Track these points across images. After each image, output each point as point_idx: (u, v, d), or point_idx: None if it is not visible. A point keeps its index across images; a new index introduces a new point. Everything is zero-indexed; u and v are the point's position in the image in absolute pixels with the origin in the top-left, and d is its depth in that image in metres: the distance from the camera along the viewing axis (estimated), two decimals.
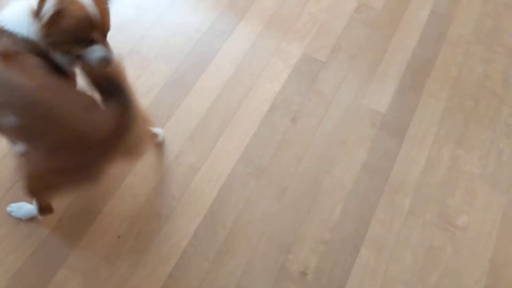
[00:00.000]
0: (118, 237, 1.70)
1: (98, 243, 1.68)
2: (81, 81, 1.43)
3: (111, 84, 1.28)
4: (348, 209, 1.81)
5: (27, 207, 1.66)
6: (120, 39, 2.16)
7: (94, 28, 1.38)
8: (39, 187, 1.45)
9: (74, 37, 1.35)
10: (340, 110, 2.04)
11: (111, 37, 1.98)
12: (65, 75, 1.46)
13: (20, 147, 1.47)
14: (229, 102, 2.03)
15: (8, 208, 1.69)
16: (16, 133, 1.37)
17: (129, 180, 1.82)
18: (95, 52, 1.42)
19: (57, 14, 1.30)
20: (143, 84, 2.05)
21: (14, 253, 1.64)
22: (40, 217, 1.65)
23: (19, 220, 1.70)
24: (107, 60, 1.45)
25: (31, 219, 1.70)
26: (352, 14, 2.32)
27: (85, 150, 1.28)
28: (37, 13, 1.31)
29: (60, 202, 1.72)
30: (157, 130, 1.86)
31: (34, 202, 1.59)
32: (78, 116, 1.26)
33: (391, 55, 2.20)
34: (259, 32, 2.25)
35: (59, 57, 1.43)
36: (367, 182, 1.87)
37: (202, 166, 1.87)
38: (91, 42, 1.40)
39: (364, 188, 1.86)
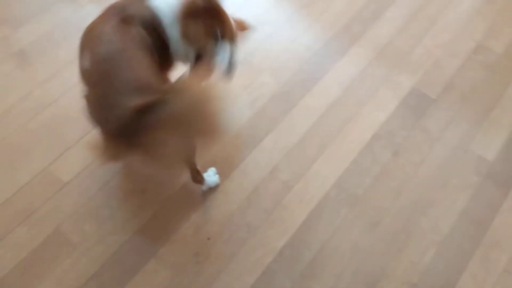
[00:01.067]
0: (208, 239, 1.74)
1: (190, 240, 1.72)
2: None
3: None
4: (441, 255, 1.74)
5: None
6: None
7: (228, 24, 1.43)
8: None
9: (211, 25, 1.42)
10: (445, 151, 1.97)
11: None
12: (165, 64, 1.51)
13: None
14: (332, 125, 2.01)
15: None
16: (83, 76, 1.41)
17: (224, 186, 1.85)
18: (224, 54, 1.46)
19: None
20: (250, 94, 2.09)
21: (113, 236, 1.71)
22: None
23: (121, 203, 1.77)
24: (231, 70, 1.48)
25: (132, 208, 1.76)
26: (470, 55, 2.24)
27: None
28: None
29: (159, 195, 1.78)
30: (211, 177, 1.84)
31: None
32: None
33: (507, 102, 2.09)
34: (371, 59, 2.22)
35: (182, 52, 1.47)
36: (464, 230, 1.79)
37: (296, 185, 1.87)
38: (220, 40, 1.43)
39: (460, 236, 1.78)
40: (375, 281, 1.67)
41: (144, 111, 1.19)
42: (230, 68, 1.54)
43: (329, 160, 1.92)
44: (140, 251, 1.69)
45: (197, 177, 1.72)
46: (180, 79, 1.35)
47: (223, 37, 1.46)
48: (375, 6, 2.41)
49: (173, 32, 1.44)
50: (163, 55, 1.47)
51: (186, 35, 1.45)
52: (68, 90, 2.03)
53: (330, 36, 2.28)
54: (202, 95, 1.18)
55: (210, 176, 1.81)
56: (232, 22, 1.50)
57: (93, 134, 1.90)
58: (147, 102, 1.18)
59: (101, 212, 1.76)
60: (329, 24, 2.32)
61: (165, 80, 1.59)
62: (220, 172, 1.85)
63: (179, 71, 1.68)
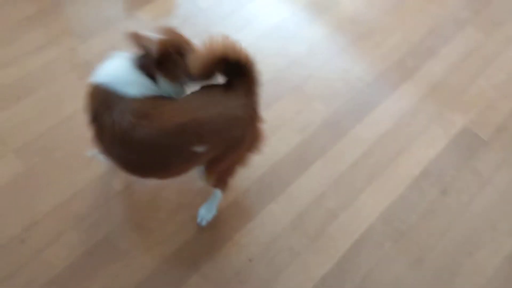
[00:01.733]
0: (250, 260, 1.76)
1: (232, 259, 1.75)
2: None
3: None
4: None
5: (209, 207, 1.80)
6: (288, 73, 2.26)
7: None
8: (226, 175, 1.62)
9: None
10: (495, 193, 1.94)
11: (282, 70, 2.12)
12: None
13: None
14: (380, 157, 2.02)
15: (201, 221, 1.83)
16: (209, 156, 1.48)
17: (270, 208, 1.88)
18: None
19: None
20: (301, 120, 2.12)
21: (159, 247, 1.77)
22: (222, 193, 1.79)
23: (169, 216, 1.82)
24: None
25: (179, 222, 1.81)
26: None
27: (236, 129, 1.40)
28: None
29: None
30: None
31: (219, 190, 1.74)
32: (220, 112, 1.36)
33: None
34: (423, 94, 2.23)
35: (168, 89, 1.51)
36: (509, 275, 1.76)
37: (341, 214, 1.88)
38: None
39: (505, 281, 1.75)
40: None
41: None
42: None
43: (376, 192, 1.93)
44: (184, 265, 1.73)
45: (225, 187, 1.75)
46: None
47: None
48: (431, 43, 2.42)
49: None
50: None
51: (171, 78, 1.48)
52: None
53: (384, 68, 2.30)
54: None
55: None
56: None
57: None
58: None
59: (149, 223, 1.81)
60: (383, 57, 2.35)
61: None
62: (266, 195, 1.88)
63: None
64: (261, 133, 1.54)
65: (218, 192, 1.76)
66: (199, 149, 1.37)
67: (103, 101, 1.38)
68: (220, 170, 1.58)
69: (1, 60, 2.22)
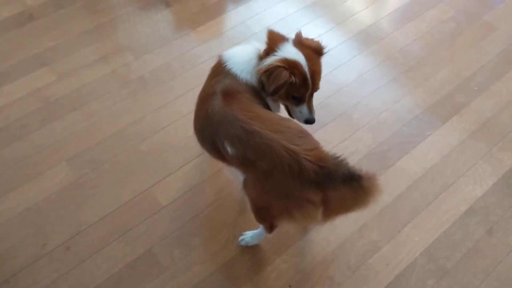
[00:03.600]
0: (289, 286, 1.75)
1: (272, 284, 1.75)
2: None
3: None
4: None
5: (255, 235, 1.80)
6: (336, 100, 2.27)
7: (305, 90, 1.53)
8: (262, 212, 1.57)
9: (286, 93, 1.52)
10: None
11: (330, 96, 2.13)
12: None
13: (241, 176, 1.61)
14: (426, 191, 2.00)
15: (241, 241, 1.84)
16: (234, 162, 1.50)
17: (311, 236, 1.87)
18: (301, 113, 1.60)
19: (276, 70, 1.45)
20: (346, 147, 2.12)
21: (200, 265, 1.79)
22: (269, 235, 1.77)
23: (212, 235, 1.84)
24: (309, 122, 1.61)
25: (221, 241, 1.83)
26: None
27: (294, 178, 1.33)
28: (261, 61, 1.51)
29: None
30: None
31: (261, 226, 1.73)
32: (287, 144, 1.33)
33: None
34: (473, 131, 2.20)
35: (269, 101, 1.60)
36: None
37: (384, 246, 1.86)
38: (299, 100, 1.56)
39: None
40: None
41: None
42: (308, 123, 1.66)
43: (420, 226, 1.90)
44: (223, 286, 1.73)
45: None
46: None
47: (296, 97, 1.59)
48: (481, 79, 2.39)
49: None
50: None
51: (274, 100, 1.61)
52: (177, 120, 2.16)
53: (433, 102, 2.29)
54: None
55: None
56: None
57: (196, 163, 2.01)
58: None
59: (192, 240, 1.83)
60: (433, 90, 2.33)
61: None
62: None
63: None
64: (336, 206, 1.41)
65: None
66: (231, 151, 1.42)
67: (218, 72, 1.54)
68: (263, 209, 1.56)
69: (60, 71, 2.31)
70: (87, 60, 2.37)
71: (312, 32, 2.56)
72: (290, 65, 1.48)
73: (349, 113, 2.23)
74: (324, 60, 2.39)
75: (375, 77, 2.37)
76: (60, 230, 1.83)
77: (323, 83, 2.33)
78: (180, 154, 2.05)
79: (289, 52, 1.51)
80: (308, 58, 1.52)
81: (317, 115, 2.16)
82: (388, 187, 1.99)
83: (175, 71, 2.34)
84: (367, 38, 2.55)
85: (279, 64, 1.46)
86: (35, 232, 1.83)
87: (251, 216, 1.81)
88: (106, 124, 2.14)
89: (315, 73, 1.54)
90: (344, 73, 2.38)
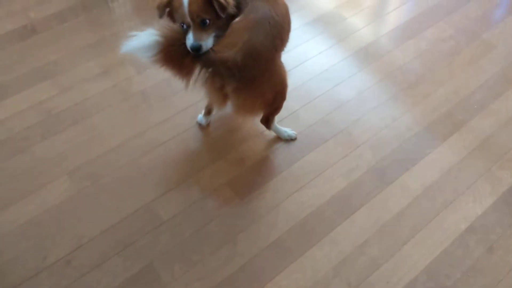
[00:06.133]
0: None
1: None
2: None
3: None
4: None
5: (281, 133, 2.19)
6: (337, 117, 2.29)
7: (185, 17, 1.64)
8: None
9: (175, 20, 1.72)
10: None
11: (330, 112, 2.14)
12: None
13: None
14: (426, 209, 2.00)
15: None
16: None
17: (312, 251, 1.88)
18: (188, 40, 1.69)
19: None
20: (347, 164, 2.13)
21: (200, 282, 1.79)
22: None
23: (213, 250, 1.84)
24: (193, 50, 1.67)
25: (222, 257, 1.82)
26: None
27: None
28: None
29: (250, 248, 1.87)
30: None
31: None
32: None
33: None
34: (472, 149, 2.21)
35: None
36: None
37: (384, 264, 1.86)
38: (187, 28, 1.68)
39: None
40: None
41: None
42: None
43: (420, 244, 1.90)
44: None
45: (268, 122, 2.06)
46: None
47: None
48: (481, 97, 2.42)
49: None
50: None
51: None
52: (177, 135, 2.17)
53: (433, 119, 2.31)
54: None
55: (287, 131, 2.15)
56: None
57: (197, 178, 2.01)
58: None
59: (192, 255, 1.83)
60: (432, 108, 2.35)
61: None
62: (309, 238, 1.88)
63: None
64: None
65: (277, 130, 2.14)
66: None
67: None
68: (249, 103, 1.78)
69: (62, 84, 2.32)
70: (89, 74, 2.38)
71: (313, 48, 2.59)
72: None
73: (349, 130, 2.25)
74: (325, 77, 2.43)
75: (375, 94, 2.39)
76: (60, 243, 1.83)
77: (323, 99, 2.37)
78: (181, 169, 2.06)
79: None
80: None
81: (317, 131, 2.19)
82: (388, 204, 2.00)
83: (176, 86, 2.34)
84: (367, 56, 2.58)
85: None
86: (35, 245, 1.82)
87: (253, 233, 1.82)
88: (107, 137, 2.15)
89: (192, 2, 1.64)
90: (344, 90, 2.40)
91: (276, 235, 1.88)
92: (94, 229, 1.86)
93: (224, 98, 1.73)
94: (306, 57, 2.55)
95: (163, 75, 2.30)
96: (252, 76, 1.65)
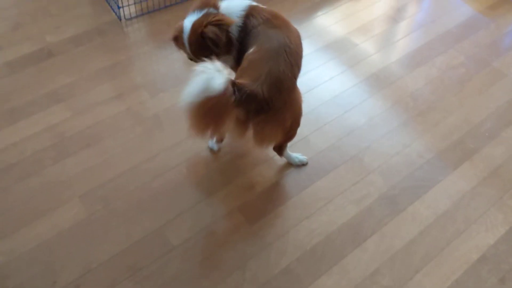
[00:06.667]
0: None
1: None
2: None
3: None
4: None
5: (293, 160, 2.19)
6: (347, 143, 2.29)
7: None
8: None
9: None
10: None
11: (340, 139, 2.15)
12: None
13: None
14: (438, 237, 1.99)
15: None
16: None
17: (322, 280, 1.86)
18: None
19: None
20: (357, 191, 2.12)
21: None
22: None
23: (222, 278, 1.83)
24: None
25: (230, 286, 1.81)
26: None
27: None
28: None
29: (259, 277, 1.85)
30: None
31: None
32: None
33: None
34: (483, 177, 2.20)
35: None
36: None
37: None
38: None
39: None
40: None
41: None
42: None
43: (432, 273, 1.88)
44: None
45: (281, 149, 2.06)
46: None
47: None
48: (492, 125, 2.42)
49: None
50: None
51: None
52: (189, 159, 2.18)
53: (444, 147, 2.30)
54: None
55: (298, 156, 2.15)
56: None
57: (207, 203, 2.01)
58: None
59: (201, 282, 1.82)
60: (443, 135, 2.35)
61: None
62: (319, 265, 1.87)
63: None
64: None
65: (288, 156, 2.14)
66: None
67: None
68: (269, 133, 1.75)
69: (76, 107, 2.35)
70: (103, 97, 2.41)
71: (324, 74, 2.61)
72: (177, 29, 1.81)
73: (360, 156, 2.25)
74: (336, 102, 2.45)
75: (386, 121, 2.40)
76: (70, 267, 1.83)
77: (333, 125, 2.38)
78: (192, 193, 2.07)
79: (189, 18, 1.78)
80: (192, 27, 1.74)
81: (327, 157, 2.20)
82: (400, 232, 1.99)
83: None
84: (377, 82, 2.59)
85: (176, 26, 1.81)
86: (44, 269, 1.82)
87: (263, 259, 1.81)
88: (119, 161, 2.16)
89: (191, 39, 1.76)
90: (355, 116, 2.41)
91: (286, 263, 1.87)
92: (104, 254, 1.86)
93: (246, 129, 1.71)
94: (316, 82, 2.57)
95: (176, 99, 2.34)
96: (277, 107, 1.64)
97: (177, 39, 1.82)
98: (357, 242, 1.96)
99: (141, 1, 2.90)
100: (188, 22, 1.76)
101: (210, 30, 1.70)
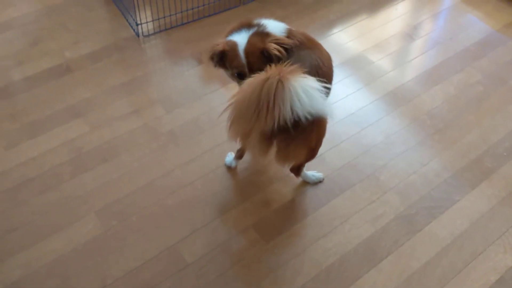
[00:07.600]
0: None
1: None
2: None
3: None
4: None
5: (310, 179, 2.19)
6: (364, 161, 2.28)
7: (241, 67, 1.77)
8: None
9: (228, 69, 1.83)
10: None
11: (356, 157, 2.13)
12: None
13: None
14: (455, 258, 1.96)
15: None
16: None
17: None
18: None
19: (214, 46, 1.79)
20: (374, 210, 2.11)
21: None
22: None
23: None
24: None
25: None
26: None
27: None
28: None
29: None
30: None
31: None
32: None
33: None
34: (502, 197, 2.17)
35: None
36: None
37: None
38: (241, 76, 1.78)
39: None
40: None
41: None
42: None
43: None
44: None
45: (299, 170, 2.06)
46: None
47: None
48: (510, 144, 2.39)
49: None
50: None
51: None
52: (205, 175, 2.19)
53: (462, 166, 2.28)
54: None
55: (315, 174, 2.16)
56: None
57: (223, 220, 2.01)
58: None
59: None
60: (460, 154, 2.33)
61: None
62: (334, 286, 1.85)
63: None
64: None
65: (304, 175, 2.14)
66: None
67: None
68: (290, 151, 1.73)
69: (93, 122, 2.38)
70: (120, 112, 2.44)
71: (340, 91, 2.61)
72: (229, 44, 1.77)
73: (376, 175, 2.23)
74: (352, 120, 2.44)
75: (403, 139, 2.39)
76: (85, 283, 1.84)
77: (350, 143, 2.37)
78: (207, 210, 2.07)
79: (237, 35, 1.79)
80: (249, 43, 1.75)
81: (344, 175, 2.19)
82: (416, 253, 1.97)
83: (204, 125, 2.39)
84: (394, 100, 2.58)
85: (217, 43, 1.78)
86: (61, 284, 1.83)
87: (278, 278, 1.80)
88: (135, 176, 2.18)
89: (249, 53, 1.74)
90: (371, 134, 2.40)
91: (301, 282, 1.85)
92: (119, 270, 1.87)
93: (270, 146, 1.70)
94: (333, 100, 2.56)
95: (191, 115, 2.35)
96: (304, 126, 1.62)
97: (223, 55, 1.78)
98: (372, 262, 1.94)
99: (159, 19, 2.93)
100: (241, 39, 1.76)
101: (273, 47, 1.73)
